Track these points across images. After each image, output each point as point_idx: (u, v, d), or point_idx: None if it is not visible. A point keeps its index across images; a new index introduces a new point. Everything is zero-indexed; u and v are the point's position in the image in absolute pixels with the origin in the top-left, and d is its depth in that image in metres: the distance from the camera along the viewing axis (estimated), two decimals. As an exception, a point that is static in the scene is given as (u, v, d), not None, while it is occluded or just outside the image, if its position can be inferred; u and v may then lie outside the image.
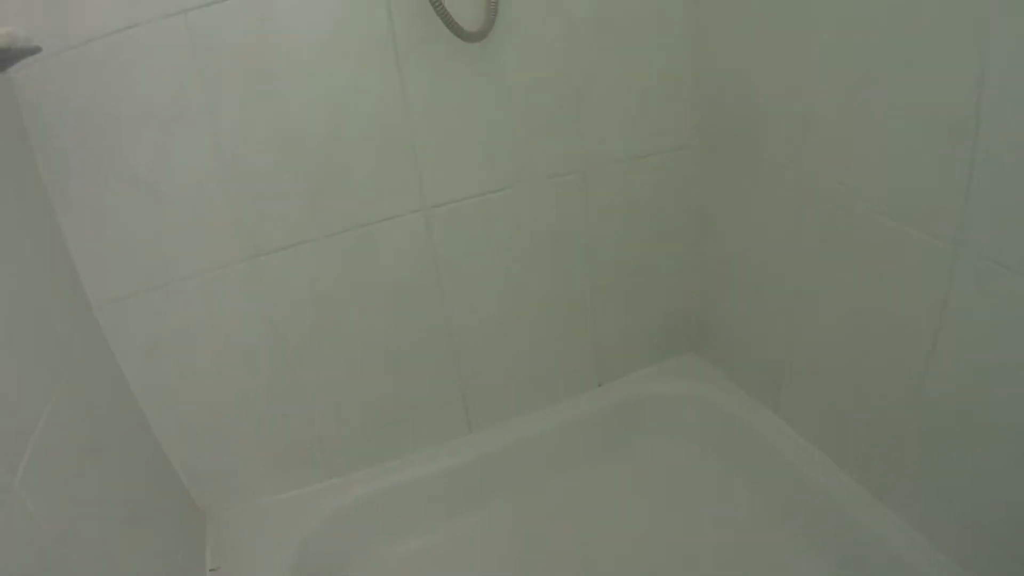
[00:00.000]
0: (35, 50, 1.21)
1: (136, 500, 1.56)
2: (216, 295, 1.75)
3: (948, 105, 1.28)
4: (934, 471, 1.55)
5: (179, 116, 1.57)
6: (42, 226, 1.49)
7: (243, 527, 1.94)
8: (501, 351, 2.14)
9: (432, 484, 2.11)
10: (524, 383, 2.22)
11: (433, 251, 1.91)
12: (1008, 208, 1.23)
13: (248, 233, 1.72)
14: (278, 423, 1.96)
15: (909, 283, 1.48)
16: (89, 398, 1.48)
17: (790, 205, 1.76)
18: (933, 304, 1.42)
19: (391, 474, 2.09)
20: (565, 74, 1.86)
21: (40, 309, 1.36)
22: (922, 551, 1.57)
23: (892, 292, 1.53)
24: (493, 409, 2.21)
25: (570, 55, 1.84)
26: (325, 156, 1.72)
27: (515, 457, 2.20)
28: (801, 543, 1.85)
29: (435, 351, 2.05)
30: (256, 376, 1.88)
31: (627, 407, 2.30)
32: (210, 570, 1.81)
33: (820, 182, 1.64)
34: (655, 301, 2.29)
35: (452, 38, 1.63)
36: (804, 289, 1.80)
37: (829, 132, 1.58)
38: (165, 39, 1.50)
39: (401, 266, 1.90)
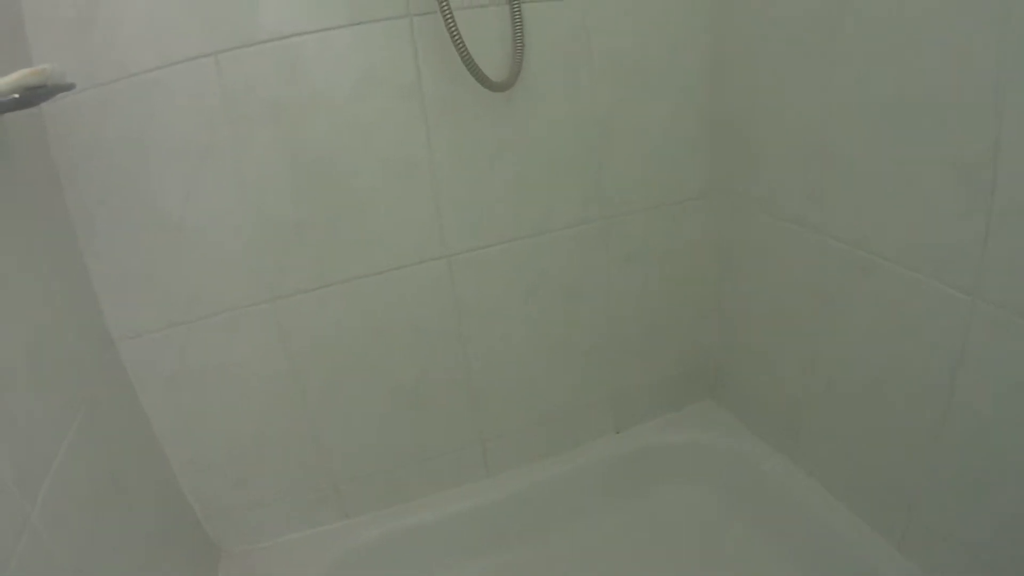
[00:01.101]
0: (69, 87, 1.23)
1: (151, 534, 1.57)
2: (238, 334, 1.76)
3: (966, 151, 1.29)
4: (952, 521, 1.53)
5: (206, 156, 1.59)
6: (67, 259, 1.51)
7: (257, 564, 1.94)
8: (520, 397, 2.14)
9: (447, 528, 2.10)
10: (543, 429, 2.21)
11: (455, 297, 1.92)
12: (1024, 256, 1.24)
13: (270, 274, 1.73)
14: (295, 463, 1.96)
15: (926, 332, 1.48)
16: (108, 431, 1.48)
17: (808, 252, 1.76)
18: (950, 354, 1.42)
19: (406, 516, 2.08)
20: (588, 123, 1.87)
21: (62, 341, 1.37)
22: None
23: (909, 341, 1.53)
24: (511, 454, 2.20)
25: (593, 104, 1.86)
26: (348, 201, 1.74)
27: (532, 503, 2.19)
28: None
29: (455, 395, 2.05)
30: (275, 415, 1.88)
31: (645, 455, 2.28)
32: (223, 607, 1.80)
33: (838, 229, 1.65)
34: (674, 348, 2.29)
35: (477, 88, 1.65)
36: (821, 337, 1.80)
37: (847, 178, 1.58)
38: (195, 80, 1.52)
39: (422, 311, 1.91)
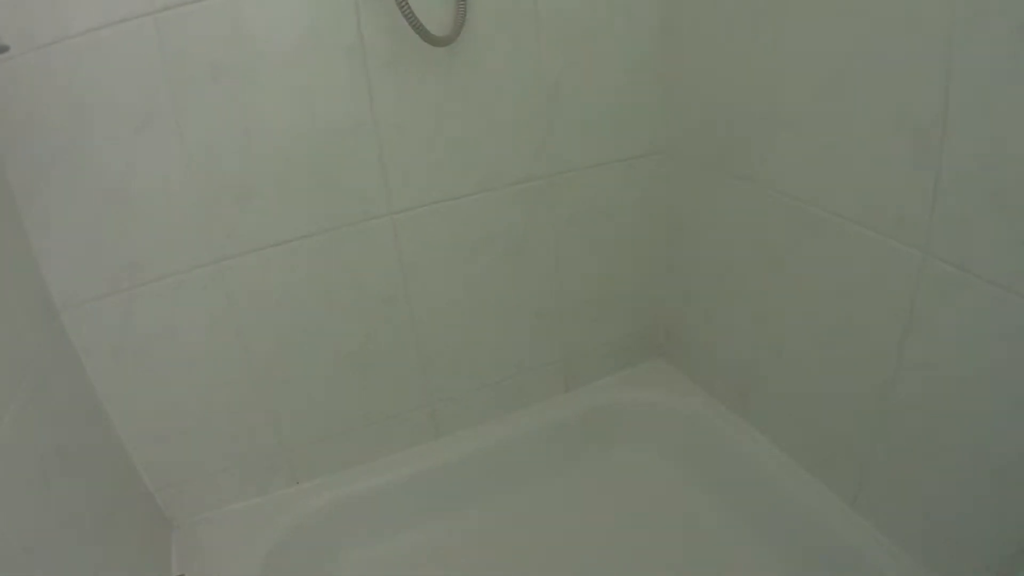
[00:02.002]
0: (3, 48, 1.19)
1: (102, 507, 1.54)
2: (183, 299, 1.73)
3: (916, 110, 1.30)
4: (902, 477, 1.56)
5: (148, 119, 1.56)
6: (6, 228, 1.47)
7: (209, 534, 1.93)
8: (468, 357, 2.14)
9: (399, 491, 2.10)
10: (491, 389, 2.22)
11: (399, 257, 1.91)
12: (973, 214, 1.25)
13: (215, 237, 1.71)
14: (244, 430, 1.94)
15: (876, 289, 1.49)
16: (53, 403, 1.46)
17: (758, 210, 1.77)
18: (900, 310, 1.44)
19: (357, 480, 2.08)
20: (533, 79, 1.87)
21: (3, 311, 1.34)
22: (891, 556, 1.58)
23: (859, 298, 1.55)
24: (460, 415, 2.20)
25: (539, 60, 1.85)
26: (292, 160, 1.72)
27: (482, 464, 2.20)
28: (769, 549, 1.87)
29: (402, 358, 2.05)
30: (223, 381, 1.86)
31: (595, 413, 2.30)
32: (176, 576, 1.79)
33: (788, 187, 1.66)
34: (623, 307, 2.30)
35: (420, 43, 1.64)
36: (772, 295, 1.81)
37: (798, 136, 1.59)
38: (135, 40, 1.49)
39: (368, 271, 1.90)
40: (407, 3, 1.56)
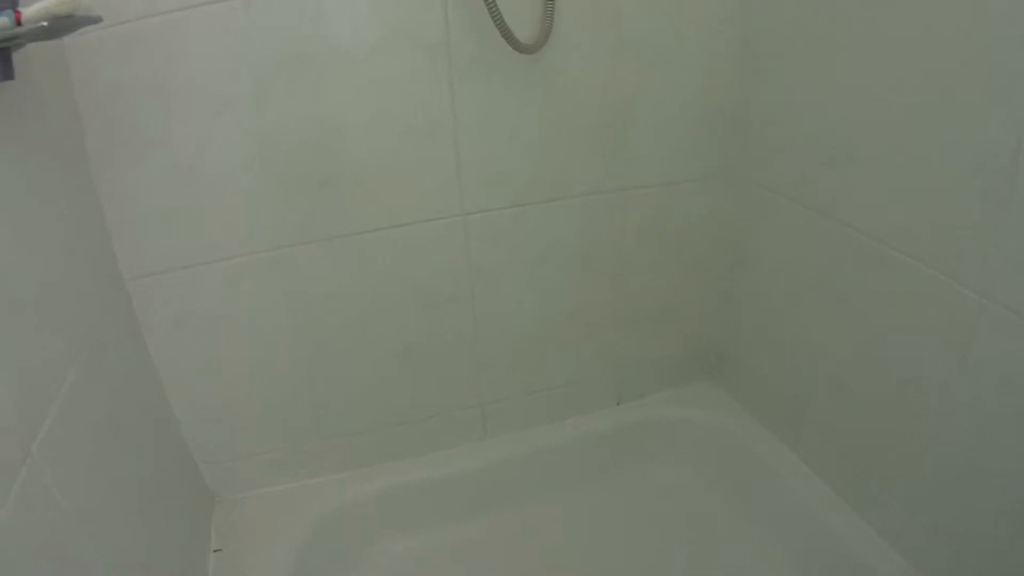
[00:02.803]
0: (96, 20, 1.20)
1: (150, 478, 1.57)
2: (246, 280, 1.75)
3: (987, 154, 1.28)
4: (950, 521, 1.53)
5: (229, 101, 1.57)
6: (83, 197, 1.50)
7: (251, 512, 1.95)
8: (524, 361, 2.14)
9: (442, 487, 2.11)
10: (544, 395, 2.21)
11: (468, 257, 1.91)
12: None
13: (283, 224, 1.73)
14: (295, 412, 1.96)
15: (935, 328, 1.47)
16: (112, 371, 1.47)
17: (825, 242, 1.74)
18: (956, 351, 1.42)
19: (402, 473, 2.09)
20: (610, 93, 1.86)
21: (74, 278, 1.36)
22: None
23: (917, 336, 1.52)
24: (510, 417, 2.20)
25: (618, 76, 1.84)
26: (368, 154, 1.72)
27: (526, 468, 2.20)
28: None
29: (459, 355, 2.05)
30: (278, 364, 1.88)
31: (643, 428, 2.29)
32: (214, 551, 1.81)
33: (858, 222, 1.63)
34: (680, 326, 2.28)
35: (505, 48, 1.64)
36: (831, 327, 1.79)
37: (868, 171, 1.57)
38: (223, 23, 1.51)
39: (434, 269, 1.91)
40: (497, 8, 1.56)
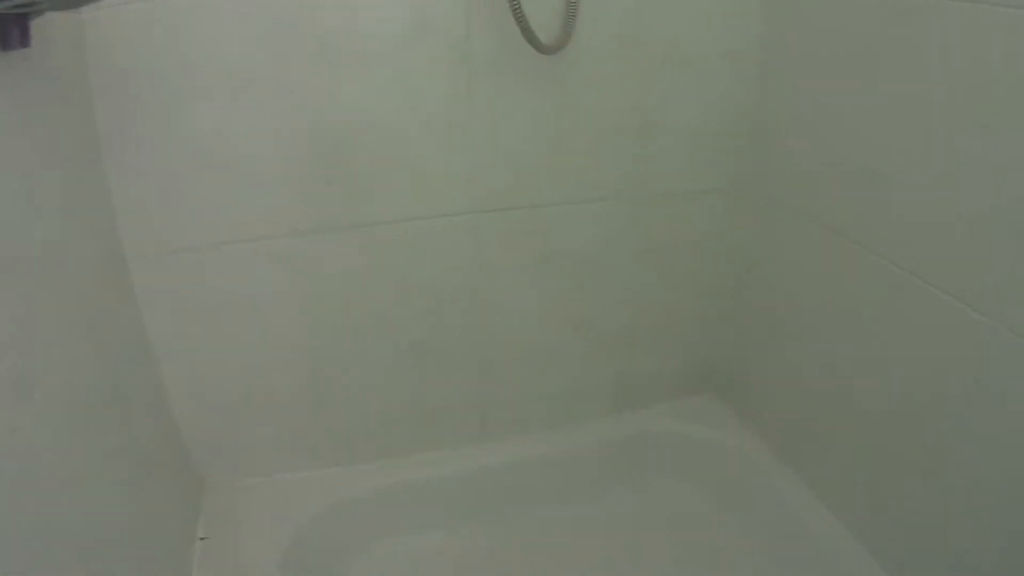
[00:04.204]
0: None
1: (138, 457, 1.55)
2: (254, 266, 1.74)
3: (1009, 189, 1.27)
4: (953, 553, 1.50)
5: (248, 84, 1.56)
6: (90, 172, 1.49)
7: (241, 501, 1.92)
8: (526, 364, 2.12)
9: (437, 488, 2.10)
10: (544, 400, 2.20)
11: (476, 256, 1.90)
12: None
13: (295, 211, 1.72)
14: (295, 403, 1.95)
15: (945, 354, 1.45)
16: (107, 345, 1.47)
17: (839, 263, 1.73)
18: (968, 380, 1.40)
19: (398, 471, 2.07)
20: (629, 101, 1.85)
21: (75, 249, 1.35)
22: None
23: (929, 359, 1.50)
24: (510, 420, 2.19)
25: (637, 83, 1.83)
26: (384, 146, 1.71)
27: (523, 473, 2.18)
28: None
29: (463, 355, 2.04)
30: (280, 353, 1.87)
31: (642, 440, 2.27)
32: (200, 538, 1.80)
33: (873, 244, 1.61)
34: (684, 339, 2.27)
35: (525, 48, 1.63)
36: (844, 349, 1.77)
37: (890, 195, 1.55)
38: (244, 5, 1.50)
39: (443, 266, 1.90)
40: (520, 8, 1.55)
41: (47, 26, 1.22)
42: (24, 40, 1.11)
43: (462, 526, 2.09)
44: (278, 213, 1.70)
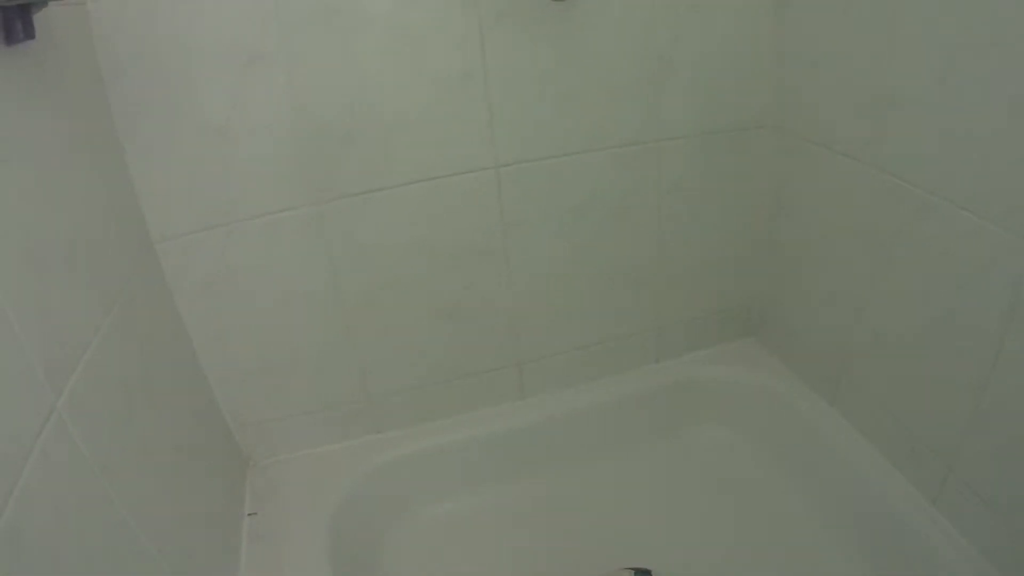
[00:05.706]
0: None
1: (181, 438, 1.56)
2: (278, 238, 1.73)
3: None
4: (990, 481, 1.49)
5: (256, 57, 1.55)
6: (110, 158, 1.48)
7: (285, 475, 1.94)
8: (562, 319, 2.11)
9: (478, 448, 2.10)
10: (581, 353, 2.19)
11: (501, 211, 1.89)
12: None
13: (315, 179, 1.70)
14: (330, 374, 1.95)
15: (980, 279, 1.42)
16: (141, 332, 1.47)
17: (865, 190, 1.69)
18: (1003, 306, 1.37)
19: (438, 434, 2.08)
20: (647, 42, 1.81)
21: (101, 237, 1.35)
22: (967, 559, 1.52)
23: (963, 290, 1.48)
24: (548, 377, 2.18)
25: (654, 23, 1.79)
26: (398, 107, 1.70)
27: (564, 429, 2.18)
28: (844, 539, 1.82)
29: (495, 313, 2.03)
30: (312, 324, 1.87)
31: (681, 387, 2.26)
32: (248, 514, 1.81)
33: (898, 167, 1.58)
34: (720, 281, 2.25)
35: (538, -6, 1.60)
36: (873, 279, 1.74)
37: (911, 117, 1.52)
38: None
39: (468, 224, 1.88)
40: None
41: (51, 17, 1.21)
42: (28, 32, 1.10)
43: (504, 484, 2.10)
44: (299, 183, 1.70)
